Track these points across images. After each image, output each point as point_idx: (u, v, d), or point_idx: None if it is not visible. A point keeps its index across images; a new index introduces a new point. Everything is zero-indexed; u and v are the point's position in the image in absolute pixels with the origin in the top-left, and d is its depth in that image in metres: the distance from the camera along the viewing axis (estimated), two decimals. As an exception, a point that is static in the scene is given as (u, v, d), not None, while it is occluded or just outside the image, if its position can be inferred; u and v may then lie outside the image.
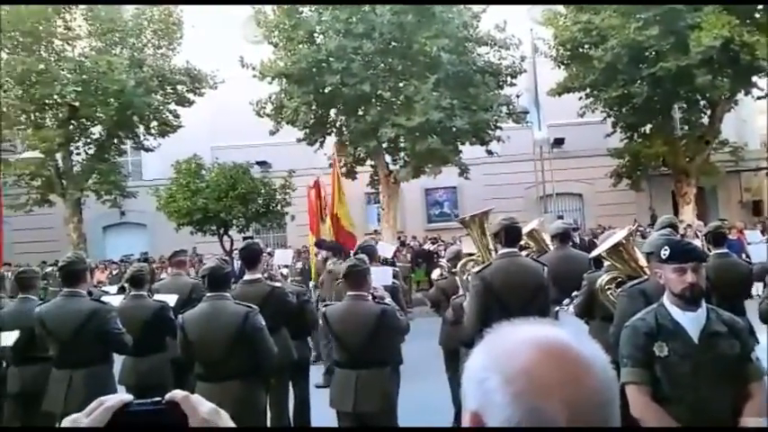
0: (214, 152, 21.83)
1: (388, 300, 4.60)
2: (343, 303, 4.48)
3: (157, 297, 5.75)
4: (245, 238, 18.87)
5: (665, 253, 2.88)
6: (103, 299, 5.19)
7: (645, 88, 18.29)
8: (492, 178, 22.53)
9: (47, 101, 18.74)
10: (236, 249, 17.71)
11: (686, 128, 20.06)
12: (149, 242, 22.45)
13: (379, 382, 4.41)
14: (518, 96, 19.29)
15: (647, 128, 20.35)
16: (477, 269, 4.61)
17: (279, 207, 20.46)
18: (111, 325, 4.68)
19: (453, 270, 5.74)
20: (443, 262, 6.98)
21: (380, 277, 5.12)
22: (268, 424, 5.07)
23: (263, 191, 20.02)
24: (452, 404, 5.98)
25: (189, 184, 19.17)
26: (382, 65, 17.97)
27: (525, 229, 6.30)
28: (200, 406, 0.93)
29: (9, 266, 14.10)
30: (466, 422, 0.85)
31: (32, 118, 19.14)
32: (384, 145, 18.31)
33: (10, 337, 5.15)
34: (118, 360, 5.24)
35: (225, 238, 19.83)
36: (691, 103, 19.63)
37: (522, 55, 18.92)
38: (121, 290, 7.39)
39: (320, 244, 11.10)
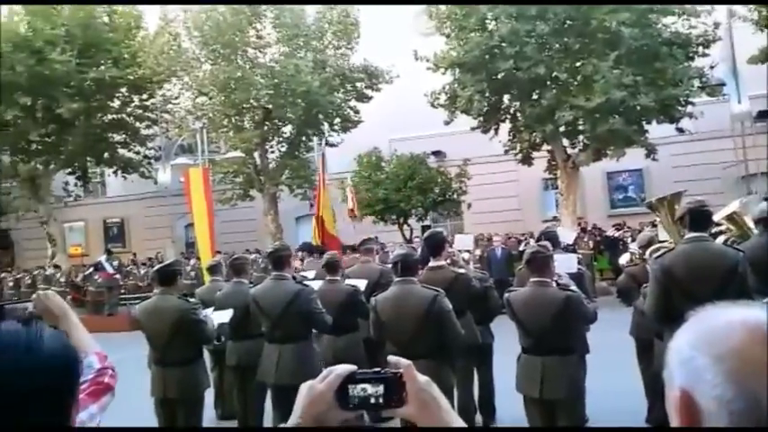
0: (392, 144, 22.61)
1: (573, 287, 4.55)
2: (527, 289, 4.49)
3: (349, 282, 6.20)
4: (423, 227, 19.46)
5: None
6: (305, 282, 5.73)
7: None
8: (683, 158, 20.80)
9: (244, 105, 20.69)
10: (416, 238, 18.30)
11: None
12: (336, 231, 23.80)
13: (565, 370, 4.38)
14: (712, 67, 17.55)
15: None
16: (657, 254, 4.39)
17: (455, 195, 20.76)
18: (313, 305, 5.17)
19: (645, 257, 5.47)
20: (633, 247, 6.63)
21: (565, 264, 5.04)
22: (455, 404, 5.26)
23: (439, 180, 20.44)
24: (645, 397, 5.74)
25: (370, 176, 20.17)
26: (557, 45, 17.34)
27: (724, 212, 5.82)
28: (419, 376, 1.09)
29: (219, 254, 15.90)
30: (672, 401, 0.85)
31: (233, 121, 21.25)
32: (561, 128, 17.68)
33: (226, 315, 5.88)
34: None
35: (405, 226, 20.52)
36: None
37: (715, 21, 17.19)
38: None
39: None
